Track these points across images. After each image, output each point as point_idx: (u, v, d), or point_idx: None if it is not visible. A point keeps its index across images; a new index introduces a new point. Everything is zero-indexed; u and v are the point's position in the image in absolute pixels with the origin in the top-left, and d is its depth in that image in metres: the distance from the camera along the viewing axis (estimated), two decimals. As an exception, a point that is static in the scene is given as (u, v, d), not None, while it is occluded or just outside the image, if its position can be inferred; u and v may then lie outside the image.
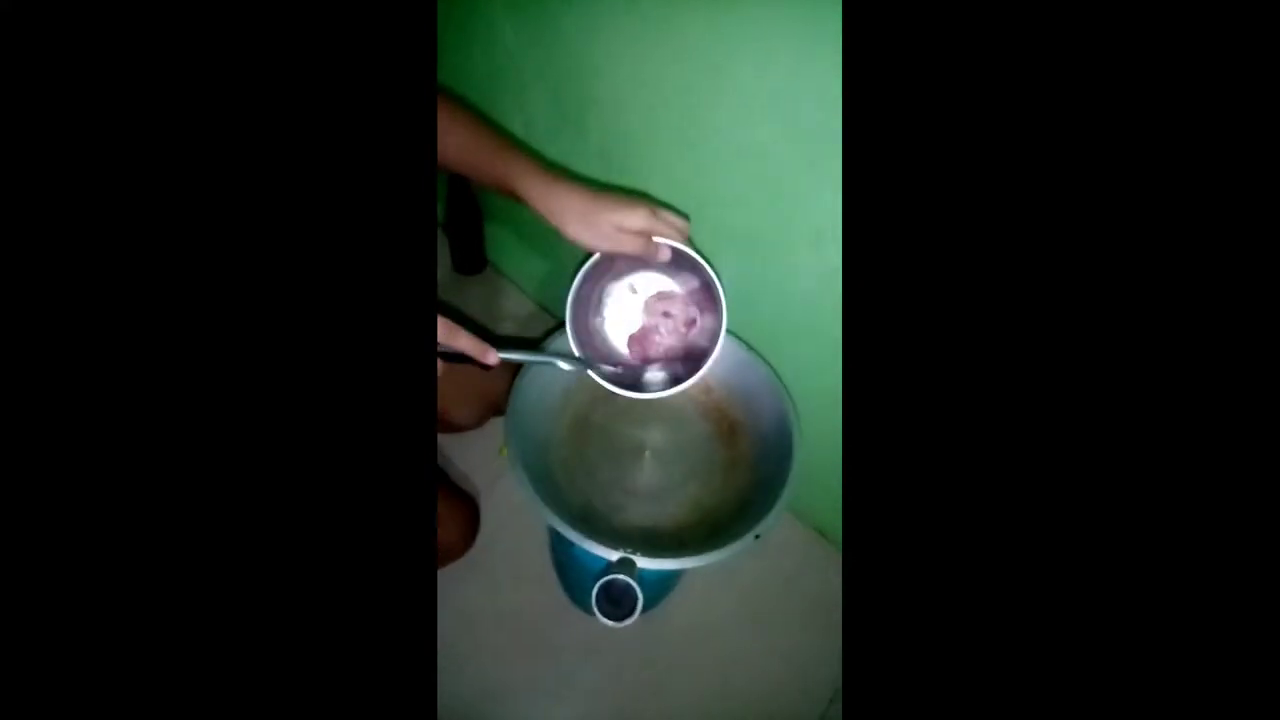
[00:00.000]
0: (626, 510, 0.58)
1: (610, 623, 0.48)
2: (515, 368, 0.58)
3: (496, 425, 0.84)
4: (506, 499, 0.86)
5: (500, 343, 0.46)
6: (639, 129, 0.62)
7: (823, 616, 0.81)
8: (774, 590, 0.84)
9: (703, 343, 0.56)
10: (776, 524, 0.51)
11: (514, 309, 1.03)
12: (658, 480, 0.61)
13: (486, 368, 0.46)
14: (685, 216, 0.53)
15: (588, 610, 0.82)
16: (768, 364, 0.60)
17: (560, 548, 0.76)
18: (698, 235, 0.66)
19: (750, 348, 0.61)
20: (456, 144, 0.53)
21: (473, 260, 1.04)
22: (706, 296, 0.55)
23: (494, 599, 0.81)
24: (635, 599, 0.47)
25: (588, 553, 0.49)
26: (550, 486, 0.55)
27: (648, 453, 0.62)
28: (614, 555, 0.49)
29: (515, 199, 0.51)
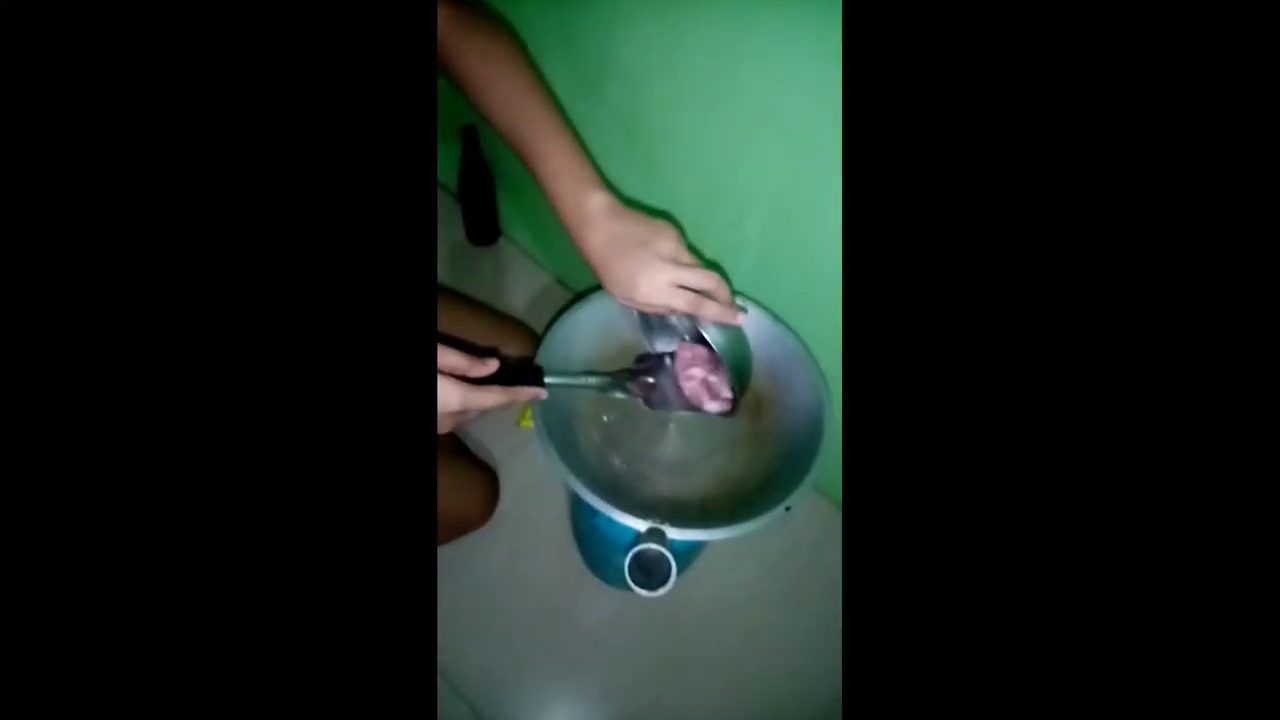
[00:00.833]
0: (651, 481, 0.57)
1: (644, 592, 0.47)
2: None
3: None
4: (526, 470, 0.86)
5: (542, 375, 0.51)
6: (662, 93, 0.61)
7: (843, 589, 0.81)
8: (797, 563, 0.84)
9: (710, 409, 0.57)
10: (807, 496, 0.50)
11: (526, 284, 1.01)
12: (682, 452, 0.60)
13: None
14: (715, 270, 0.50)
15: (608, 581, 0.82)
16: (795, 335, 0.59)
17: (582, 518, 0.76)
18: (723, 203, 0.65)
19: (777, 319, 0.60)
20: (500, 98, 0.50)
21: (485, 230, 1.02)
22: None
23: (513, 569, 0.81)
24: (669, 568, 0.46)
25: (611, 523, 0.49)
26: (576, 457, 0.54)
27: (672, 424, 0.61)
28: (643, 526, 0.48)
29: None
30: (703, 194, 0.66)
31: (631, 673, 0.77)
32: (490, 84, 0.49)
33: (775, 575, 0.84)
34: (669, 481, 0.58)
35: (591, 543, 0.77)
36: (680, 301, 0.47)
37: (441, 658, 0.76)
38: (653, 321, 0.57)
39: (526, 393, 0.49)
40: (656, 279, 0.46)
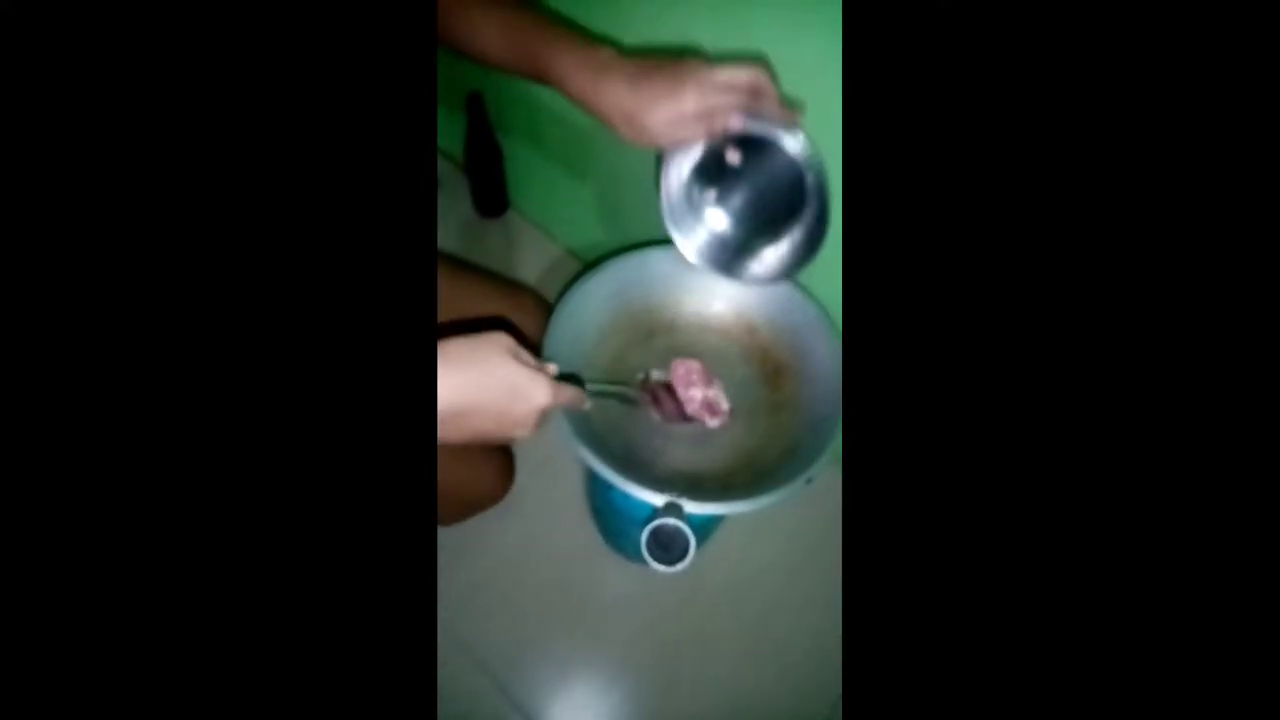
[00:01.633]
0: (668, 454, 0.56)
1: (661, 567, 0.46)
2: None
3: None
4: (541, 445, 0.85)
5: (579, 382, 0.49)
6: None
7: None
8: (815, 535, 0.83)
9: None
10: (828, 466, 0.49)
11: (536, 256, 1.00)
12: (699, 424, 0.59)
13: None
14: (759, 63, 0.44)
15: (626, 556, 0.82)
16: (816, 301, 0.57)
17: (598, 493, 0.75)
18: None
19: (798, 285, 0.57)
20: (491, 33, 0.47)
21: (494, 202, 1.00)
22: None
23: (530, 544, 0.81)
24: (687, 542, 0.45)
25: (628, 498, 0.48)
26: (590, 430, 0.53)
27: (688, 396, 0.60)
28: (660, 500, 0.47)
29: (560, 91, 0.46)
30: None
31: (650, 646, 0.77)
32: (486, 19, 0.47)
33: (794, 546, 0.83)
34: (686, 454, 0.56)
35: (608, 517, 0.77)
36: (735, 98, 0.43)
37: (463, 633, 0.76)
38: (707, 164, 0.50)
39: (581, 396, 0.47)
40: (703, 80, 0.42)
